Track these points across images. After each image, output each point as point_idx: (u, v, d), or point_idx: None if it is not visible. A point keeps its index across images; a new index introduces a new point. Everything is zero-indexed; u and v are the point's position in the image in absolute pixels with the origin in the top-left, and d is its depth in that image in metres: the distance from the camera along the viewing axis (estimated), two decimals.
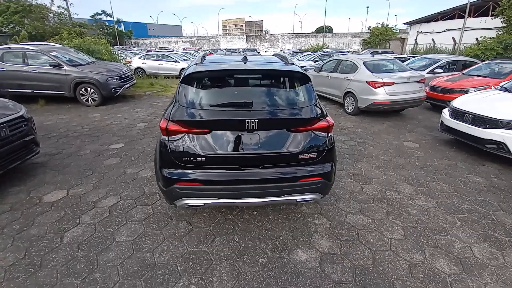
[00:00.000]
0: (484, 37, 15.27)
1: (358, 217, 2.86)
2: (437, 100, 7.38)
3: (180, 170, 2.23)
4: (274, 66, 2.54)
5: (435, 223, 2.77)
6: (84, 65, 7.52)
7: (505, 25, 15.40)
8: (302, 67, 14.40)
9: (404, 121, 6.77)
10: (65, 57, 7.31)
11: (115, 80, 7.51)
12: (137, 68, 13.32)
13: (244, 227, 2.66)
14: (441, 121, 5.03)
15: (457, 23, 20.58)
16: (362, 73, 6.89)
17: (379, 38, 30.54)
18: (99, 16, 36.61)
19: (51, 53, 7.02)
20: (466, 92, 6.17)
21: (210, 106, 2.21)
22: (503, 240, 2.52)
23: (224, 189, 2.24)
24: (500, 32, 15.65)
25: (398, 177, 3.78)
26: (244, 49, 29.51)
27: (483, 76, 7.26)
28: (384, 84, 6.41)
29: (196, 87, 2.33)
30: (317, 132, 2.29)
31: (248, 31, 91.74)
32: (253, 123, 2.09)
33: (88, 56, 8.51)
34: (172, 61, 13.67)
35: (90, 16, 36.55)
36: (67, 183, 3.45)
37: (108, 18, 36.65)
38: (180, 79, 2.37)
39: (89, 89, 7.25)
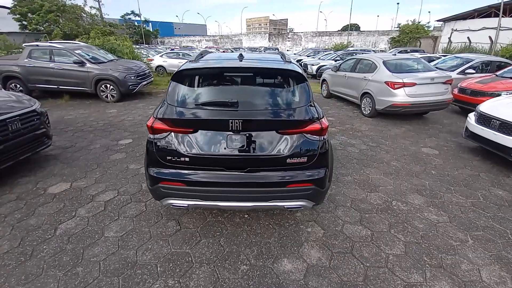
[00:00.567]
0: None
1: (356, 227, 2.65)
2: (466, 103, 6.77)
3: (164, 170, 2.20)
4: (268, 65, 2.41)
5: (444, 240, 2.50)
6: (105, 62, 7.86)
7: None
8: (321, 66, 14.00)
9: (427, 125, 6.29)
10: (88, 55, 7.70)
11: (133, 78, 7.77)
12: (158, 66, 13.72)
13: (232, 230, 2.58)
14: (466, 127, 4.58)
15: (493, 21, 18.87)
16: (381, 72, 6.50)
17: (409, 36, 28.87)
18: (129, 16, 38.48)
19: (76, 51, 7.42)
20: (498, 95, 5.57)
21: (196, 104, 2.15)
22: None
23: (208, 191, 2.17)
24: None
25: (409, 186, 3.49)
26: (266, 47, 29.34)
27: None
28: (404, 85, 5.99)
29: (185, 85, 2.28)
30: (308, 135, 2.14)
31: (272, 30, 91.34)
32: (237, 123, 1.99)
33: (110, 54, 8.89)
34: None
35: (121, 16, 38.58)
36: (72, 176, 3.60)
37: (137, 18, 38.45)
38: (171, 77, 2.34)
39: (108, 85, 7.57)
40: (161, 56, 14.36)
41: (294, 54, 25.21)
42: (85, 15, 21.38)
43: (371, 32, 35.13)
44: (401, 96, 6.03)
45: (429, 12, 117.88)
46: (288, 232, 2.57)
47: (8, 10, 21.88)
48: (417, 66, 6.83)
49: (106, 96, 7.72)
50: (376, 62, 6.78)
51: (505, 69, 7.21)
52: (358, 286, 2.00)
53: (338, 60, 13.81)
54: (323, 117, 2.25)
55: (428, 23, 32.71)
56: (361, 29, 48.01)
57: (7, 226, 2.57)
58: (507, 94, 5.43)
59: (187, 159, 2.12)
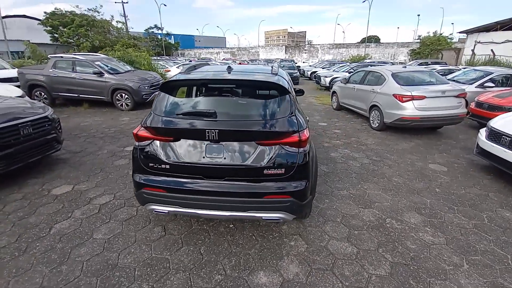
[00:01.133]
0: None
1: (341, 244, 2.57)
2: (483, 118, 6.38)
3: (147, 176, 2.28)
4: (251, 77, 2.47)
5: (436, 263, 2.35)
6: (122, 73, 8.35)
7: None
8: (334, 78, 13.90)
9: (439, 140, 6.01)
10: (107, 66, 8.22)
11: (146, 88, 8.17)
12: None
13: (214, 239, 2.59)
14: (477, 143, 4.34)
15: None
16: (389, 85, 6.36)
17: (430, 48, 28.00)
18: (152, 30, 40.87)
19: (95, 62, 7.96)
20: None
21: (177, 114, 2.24)
22: None
23: (187, 198, 2.22)
24: None
25: (408, 203, 3.33)
26: (282, 59, 29.69)
27: None
28: (413, 98, 5.80)
29: (171, 95, 2.38)
30: (287, 146, 2.14)
31: (290, 42, 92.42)
32: (213, 133, 2.05)
33: (128, 66, 9.44)
34: None
35: (145, 30, 41.04)
36: (76, 179, 3.80)
37: (160, 32, 40.66)
38: (159, 87, 2.46)
39: (123, 94, 8.00)
40: (178, 67, 14.99)
41: (310, 66, 25.28)
42: (112, 29, 23.03)
43: (390, 44, 34.43)
44: (410, 110, 5.84)
45: (452, 23, 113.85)
46: (270, 245, 2.53)
47: (38, 22, 24.00)
48: (429, 78, 6.61)
49: (121, 105, 8.14)
50: (385, 75, 6.65)
51: None
52: None
53: (351, 72, 13.67)
54: (304, 129, 2.25)
55: (450, 34, 31.65)
56: (381, 41, 47.34)
57: (9, 223, 2.76)
58: None
59: (167, 166, 2.19)
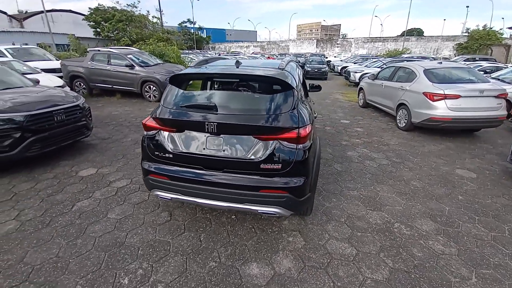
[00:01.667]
0: None
1: (341, 244, 2.51)
2: None
3: (153, 164, 2.43)
4: (255, 71, 2.48)
5: (441, 274, 2.20)
6: (151, 66, 8.80)
7: None
8: (365, 73, 13.28)
9: (473, 143, 5.50)
10: (138, 59, 8.72)
11: None
12: None
13: (215, 228, 2.69)
14: (511, 149, 3.91)
15: None
16: (420, 82, 5.93)
17: (478, 43, 25.28)
18: (185, 24, 42.26)
19: (128, 56, 8.49)
20: None
21: (181, 106, 2.34)
22: None
23: (188, 187, 2.32)
24: None
25: (423, 209, 3.13)
26: (312, 54, 28.92)
27: None
28: (445, 97, 5.35)
29: (178, 88, 2.49)
30: (285, 142, 2.14)
31: (323, 36, 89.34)
32: (212, 126, 2.12)
33: (158, 59, 9.90)
34: None
35: (178, 24, 42.55)
36: (101, 163, 4.15)
37: (192, 26, 41.93)
38: (168, 80, 2.58)
39: (151, 86, 8.44)
40: None
41: (341, 60, 24.32)
42: (148, 24, 24.25)
43: (433, 38, 31.48)
44: (441, 109, 5.40)
45: (503, 18, 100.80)
46: (268, 238, 2.57)
47: (83, 17, 26.02)
48: (467, 76, 6.03)
49: (149, 96, 8.61)
50: (416, 71, 6.20)
51: None
52: None
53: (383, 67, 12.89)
54: (306, 125, 2.22)
55: (501, 29, 28.19)
56: (424, 34, 43.72)
57: (38, 199, 3.12)
58: None
59: (171, 155, 2.31)
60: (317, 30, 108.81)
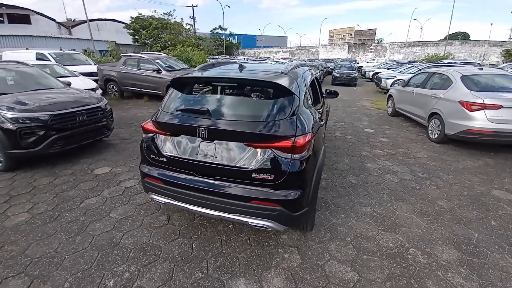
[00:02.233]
0: None
1: (342, 267, 2.27)
2: None
3: (149, 167, 2.43)
4: (254, 76, 2.37)
5: None
6: (177, 70, 9.13)
7: None
8: (397, 80, 12.49)
9: None
10: (165, 64, 9.11)
11: None
12: None
13: (210, 236, 2.60)
14: None
15: None
16: (456, 89, 5.34)
17: None
18: (217, 30, 43.90)
19: (156, 60, 8.91)
20: None
21: (176, 110, 2.31)
22: None
23: (180, 192, 2.27)
24: None
25: (446, 235, 2.74)
26: (343, 59, 28.04)
27: None
28: (485, 107, 4.74)
29: (177, 92, 2.47)
30: (278, 151, 1.99)
31: (357, 41, 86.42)
32: (203, 131, 2.04)
33: (184, 64, 10.27)
34: None
35: (210, 31, 44.37)
36: (116, 162, 4.33)
37: (223, 32, 43.36)
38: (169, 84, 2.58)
39: None
40: None
41: (373, 66, 23.19)
42: (182, 30, 25.57)
43: (479, 42, 28.62)
44: (479, 121, 4.79)
45: None
46: (262, 252, 2.41)
47: (123, 25, 28.33)
48: (511, 85, 5.30)
49: None
50: (452, 77, 5.61)
51: None
52: None
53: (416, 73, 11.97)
54: (304, 134, 2.05)
55: None
56: (472, 39, 40.15)
57: (53, 194, 3.31)
58: None
59: (165, 159, 2.29)
60: (350, 35, 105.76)
